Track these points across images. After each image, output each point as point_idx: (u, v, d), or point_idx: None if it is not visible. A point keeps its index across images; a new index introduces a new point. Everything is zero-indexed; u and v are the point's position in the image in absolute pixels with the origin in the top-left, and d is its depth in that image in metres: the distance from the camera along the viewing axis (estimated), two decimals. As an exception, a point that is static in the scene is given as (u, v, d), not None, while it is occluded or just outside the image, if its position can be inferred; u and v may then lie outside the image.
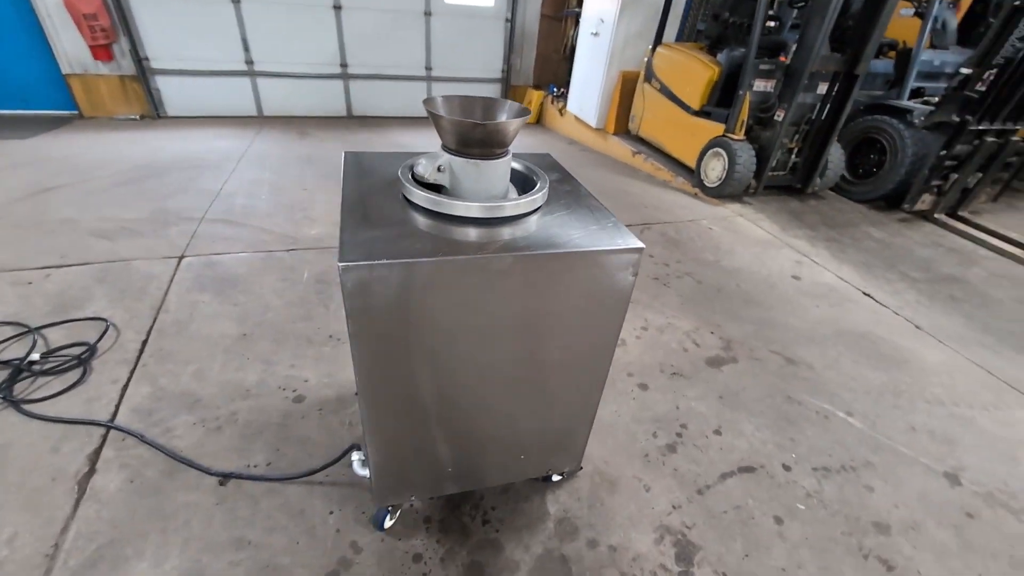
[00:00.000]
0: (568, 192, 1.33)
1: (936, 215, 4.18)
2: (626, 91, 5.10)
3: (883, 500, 1.71)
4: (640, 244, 1.09)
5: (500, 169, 1.17)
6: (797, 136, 4.01)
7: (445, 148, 1.15)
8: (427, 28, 5.89)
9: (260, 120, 5.60)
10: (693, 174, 4.30)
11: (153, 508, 1.46)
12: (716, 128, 4.01)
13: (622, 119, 5.23)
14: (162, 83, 5.27)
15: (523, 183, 1.32)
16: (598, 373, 1.31)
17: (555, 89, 6.38)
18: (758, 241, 3.55)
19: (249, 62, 5.45)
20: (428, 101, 1.14)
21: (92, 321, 2.15)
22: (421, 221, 1.09)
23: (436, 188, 1.16)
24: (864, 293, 3.00)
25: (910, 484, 1.78)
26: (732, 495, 1.68)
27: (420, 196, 1.12)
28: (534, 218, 1.16)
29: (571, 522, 1.54)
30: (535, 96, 6.51)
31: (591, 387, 1.34)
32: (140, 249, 2.71)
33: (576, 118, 5.78)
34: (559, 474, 1.62)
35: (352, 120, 6.03)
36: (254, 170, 4.01)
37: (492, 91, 6.58)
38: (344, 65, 5.81)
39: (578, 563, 1.43)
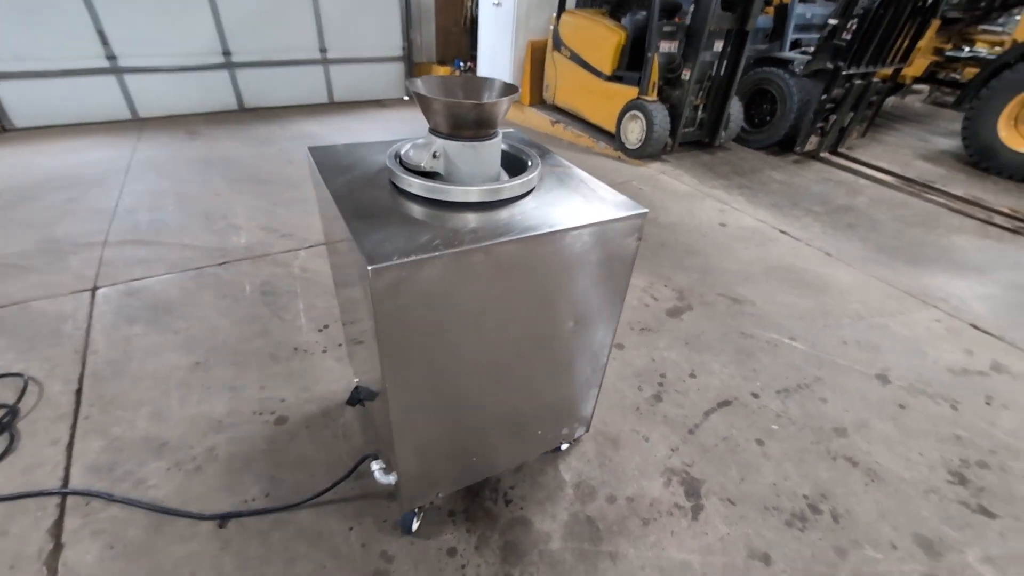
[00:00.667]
0: (551, 165, 1.34)
1: (821, 154, 4.72)
2: (536, 60, 5.12)
3: (836, 408, 1.97)
4: (643, 209, 1.14)
5: (495, 150, 1.15)
6: (701, 93, 4.30)
7: (435, 132, 1.10)
8: (315, 6, 5.45)
9: (138, 123, 4.92)
10: (613, 139, 4.47)
11: (148, 570, 1.32)
12: (630, 91, 4.17)
13: (536, 89, 5.27)
14: (2, 89, 4.44)
15: (508, 162, 1.31)
16: (607, 335, 1.36)
17: (461, 64, 6.25)
18: (683, 195, 3.80)
19: (111, 57, 4.73)
20: (413, 83, 1.08)
21: (4, 378, 1.83)
22: (419, 211, 1.05)
23: (426, 175, 1.12)
24: (780, 231, 3.35)
25: (852, 390, 2.06)
26: (718, 429, 1.85)
27: (419, 185, 1.07)
28: (531, 196, 1.16)
29: (587, 484, 1.61)
30: (442, 72, 6.34)
31: (601, 350, 1.39)
32: (37, 287, 2.32)
33: (488, 92, 5.72)
34: (568, 443, 1.68)
35: (245, 113, 5.49)
36: (149, 180, 3.55)
37: (394, 71, 6.28)
38: (227, 53, 5.24)
39: (603, 520, 1.51)
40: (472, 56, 6.06)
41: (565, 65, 4.77)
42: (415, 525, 1.42)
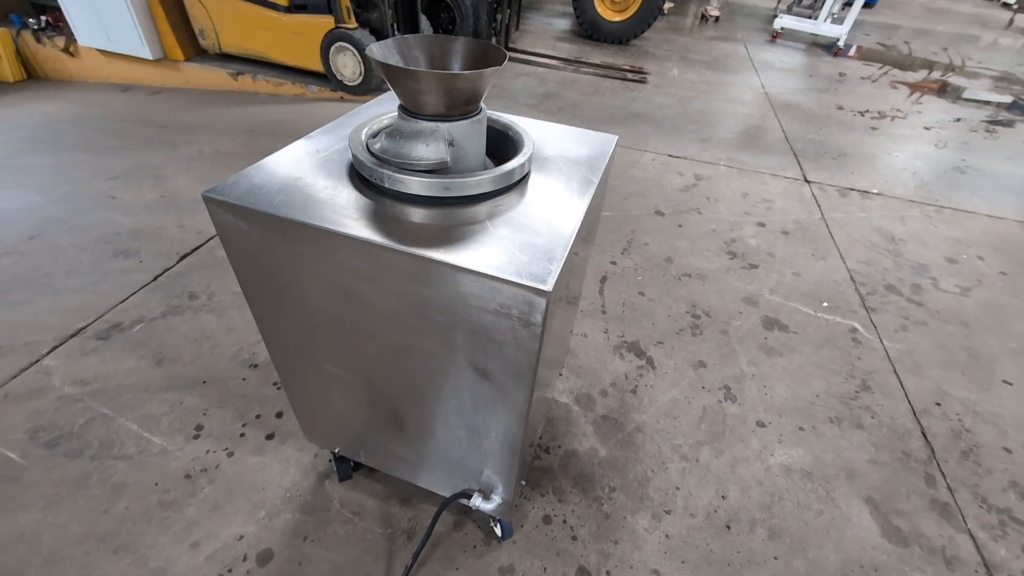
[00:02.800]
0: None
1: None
2: (169, 1, 3.91)
3: (655, 247, 2.63)
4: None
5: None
6: (392, 12, 4.15)
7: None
8: None
9: None
10: (327, 79, 3.99)
11: None
12: (323, 22, 3.71)
13: (187, 38, 4.09)
14: None
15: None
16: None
17: (24, 20, 4.23)
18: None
19: None
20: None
21: None
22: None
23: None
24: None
25: (653, 229, 2.76)
26: (614, 299, 2.27)
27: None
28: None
29: (582, 395, 1.83)
30: (-6, 37, 4.18)
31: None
32: None
33: (107, 54, 4.15)
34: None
35: None
36: None
37: None
38: None
39: (611, 410, 1.78)
40: (42, 6, 4.16)
41: (221, 1, 3.81)
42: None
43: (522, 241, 0.82)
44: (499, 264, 0.76)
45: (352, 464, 1.48)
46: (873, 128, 4.34)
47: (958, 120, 4.68)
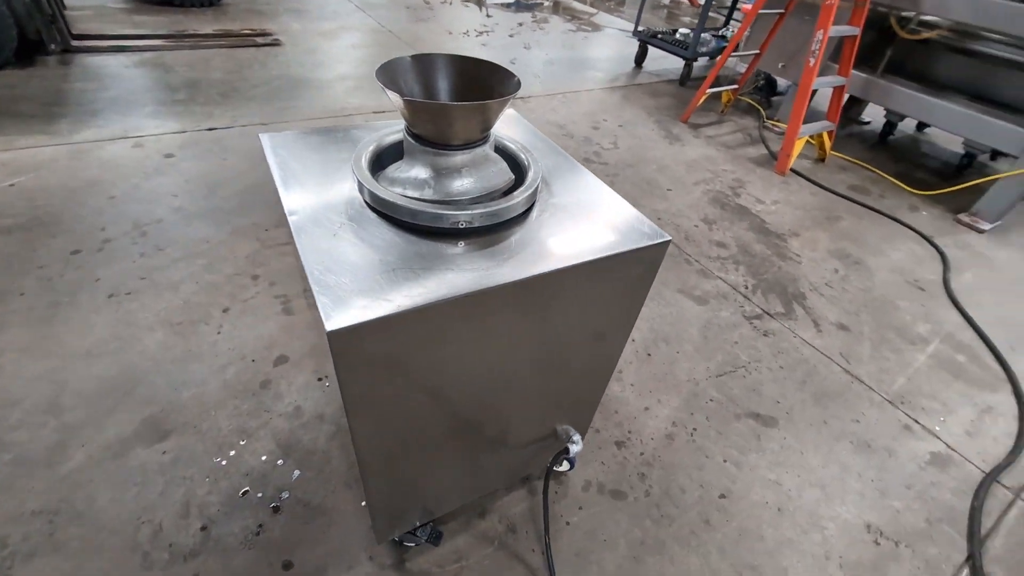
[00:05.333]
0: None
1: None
2: None
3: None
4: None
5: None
6: None
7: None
8: None
9: None
10: None
11: None
12: None
13: None
14: None
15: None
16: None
17: None
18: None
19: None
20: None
21: None
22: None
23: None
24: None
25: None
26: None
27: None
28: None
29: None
30: None
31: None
32: None
33: None
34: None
35: None
36: None
37: None
38: None
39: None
40: None
41: None
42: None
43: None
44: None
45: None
46: (483, 44, 5.37)
47: (520, 24, 6.20)
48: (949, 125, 3.65)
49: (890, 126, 4.59)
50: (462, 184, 0.93)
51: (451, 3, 6.64)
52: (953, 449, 1.93)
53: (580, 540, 1.49)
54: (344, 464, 1.58)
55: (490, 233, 0.93)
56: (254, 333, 1.95)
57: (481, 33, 5.70)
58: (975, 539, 1.63)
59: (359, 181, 0.92)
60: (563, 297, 0.96)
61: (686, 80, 4.93)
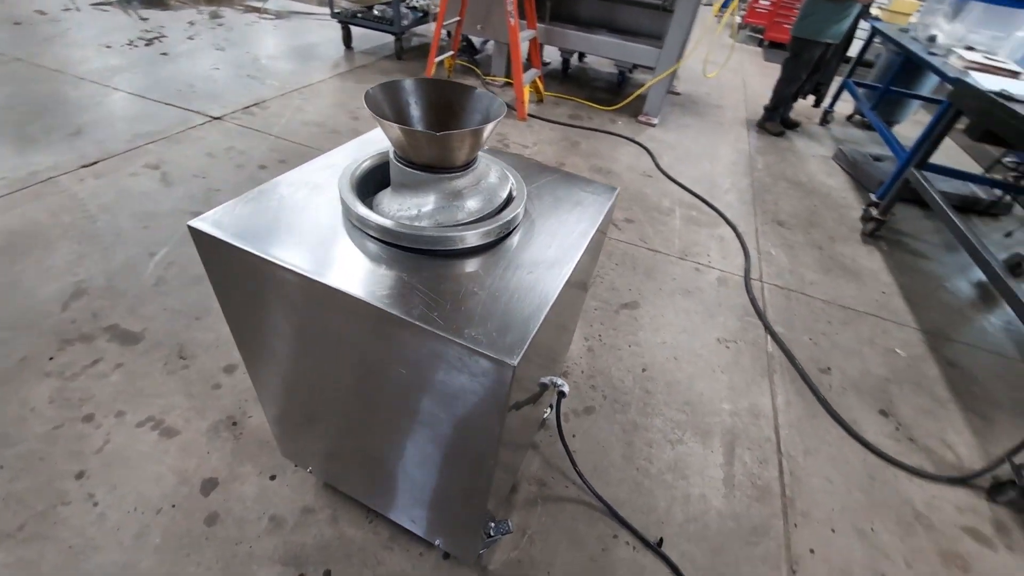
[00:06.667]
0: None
1: None
2: None
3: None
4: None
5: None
6: None
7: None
8: None
9: None
10: None
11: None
12: None
13: None
14: None
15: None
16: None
17: None
18: None
19: None
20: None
21: None
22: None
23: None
24: None
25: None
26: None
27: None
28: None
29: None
30: None
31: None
32: None
33: None
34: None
35: None
36: None
37: None
38: None
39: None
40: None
41: None
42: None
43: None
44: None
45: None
46: (163, 54, 4.41)
47: (192, 24, 5.25)
48: (605, 53, 4.83)
49: (566, 63, 5.75)
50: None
51: (79, 9, 5.10)
52: (722, 271, 2.88)
53: (590, 454, 1.79)
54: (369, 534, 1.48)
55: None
56: (140, 479, 1.51)
57: (151, 41, 4.64)
58: (762, 316, 2.55)
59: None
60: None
61: (402, 54, 5.10)
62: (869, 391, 2.23)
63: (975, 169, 4.78)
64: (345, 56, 5.02)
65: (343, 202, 0.96)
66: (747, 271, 2.87)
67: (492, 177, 1.05)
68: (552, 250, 0.99)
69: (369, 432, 1.14)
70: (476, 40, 5.73)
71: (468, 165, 0.97)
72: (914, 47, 3.99)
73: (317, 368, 1.06)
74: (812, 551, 1.61)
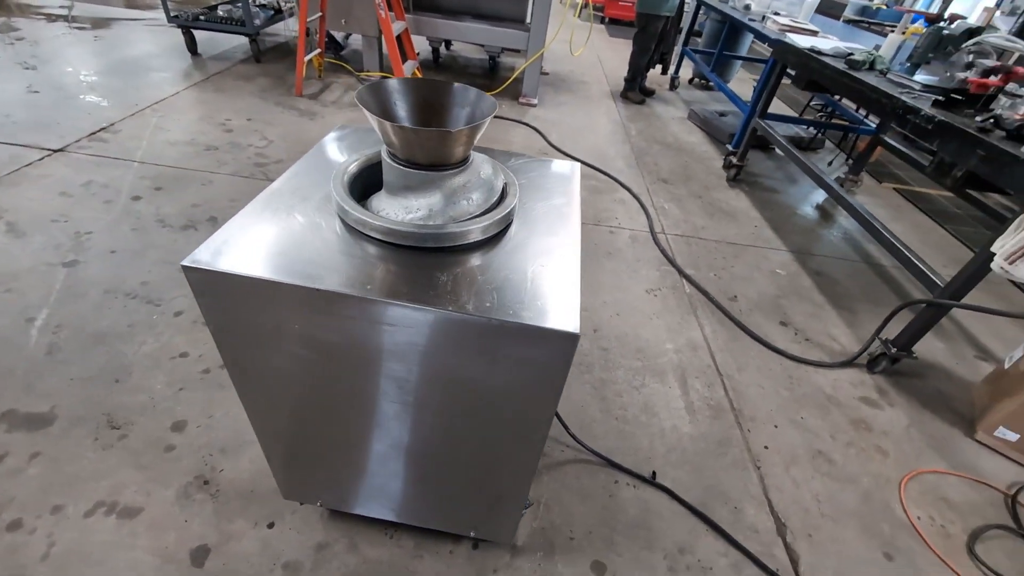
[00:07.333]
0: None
1: None
2: None
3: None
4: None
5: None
6: None
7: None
8: None
9: None
10: None
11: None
12: None
13: None
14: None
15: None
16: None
17: None
18: None
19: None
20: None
21: None
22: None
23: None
24: None
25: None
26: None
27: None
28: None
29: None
30: None
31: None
32: None
33: None
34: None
35: None
36: None
37: None
38: None
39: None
40: None
41: None
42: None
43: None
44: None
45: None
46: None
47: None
48: (477, 39, 4.91)
49: (435, 52, 5.71)
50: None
51: None
52: (631, 229, 3.17)
53: (573, 415, 1.92)
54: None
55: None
56: (111, 573, 1.31)
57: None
58: (674, 263, 2.88)
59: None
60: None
61: (260, 56, 4.66)
62: (768, 308, 2.66)
63: (792, 114, 5.73)
64: (194, 64, 4.46)
65: (351, 216, 0.93)
66: (651, 227, 3.20)
67: (486, 168, 1.08)
68: (554, 235, 1.07)
69: (405, 443, 1.13)
70: (338, 35, 5.43)
71: (467, 159, 1.00)
72: (736, 15, 4.64)
73: (345, 392, 1.03)
74: (766, 447, 1.92)
